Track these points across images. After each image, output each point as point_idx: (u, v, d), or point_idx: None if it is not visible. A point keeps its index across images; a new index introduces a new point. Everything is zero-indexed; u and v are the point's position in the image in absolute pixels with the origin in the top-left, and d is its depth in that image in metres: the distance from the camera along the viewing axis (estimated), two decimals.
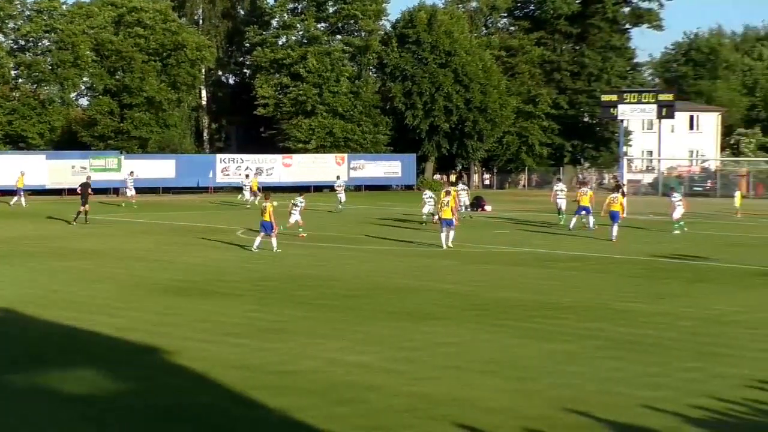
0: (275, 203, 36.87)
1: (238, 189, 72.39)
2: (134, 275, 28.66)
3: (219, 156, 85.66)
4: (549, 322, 20.93)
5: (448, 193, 39.23)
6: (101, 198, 65.67)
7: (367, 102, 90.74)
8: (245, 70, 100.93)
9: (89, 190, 50.11)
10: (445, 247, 36.52)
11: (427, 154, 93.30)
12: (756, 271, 30.55)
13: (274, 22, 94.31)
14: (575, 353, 17.81)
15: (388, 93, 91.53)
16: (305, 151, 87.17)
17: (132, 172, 67.37)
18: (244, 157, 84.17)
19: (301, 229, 40.94)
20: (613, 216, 41.11)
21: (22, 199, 63.46)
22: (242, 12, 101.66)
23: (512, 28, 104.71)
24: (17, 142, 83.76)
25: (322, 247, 37.15)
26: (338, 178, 67.19)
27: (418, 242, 39.43)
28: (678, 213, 46.28)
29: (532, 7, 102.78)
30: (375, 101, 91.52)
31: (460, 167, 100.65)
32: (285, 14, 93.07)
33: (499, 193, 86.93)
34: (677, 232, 44.92)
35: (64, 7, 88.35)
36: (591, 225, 45.10)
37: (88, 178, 54.87)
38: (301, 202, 42.95)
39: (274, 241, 35.26)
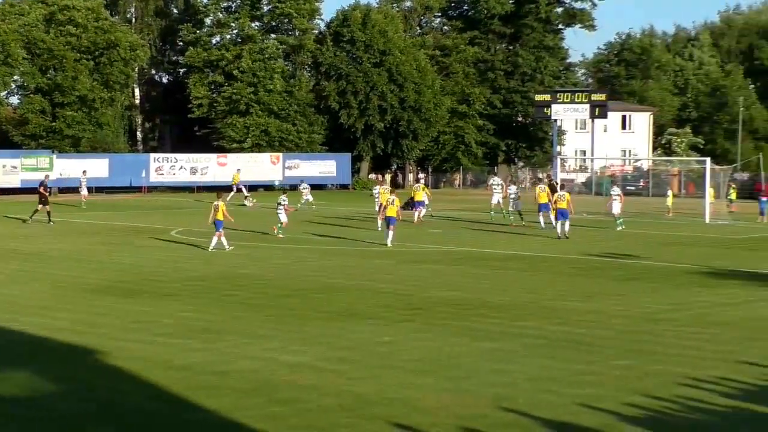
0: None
1: (173, 189, 71.68)
2: (68, 275, 28.36)
3: (153, 155, 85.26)
4: (484, 321, 21.02)
5: (392, 191, 39.72)
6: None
7: (302, 101, 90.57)
8: (179, 69, 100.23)
9: (41, 189, 49.50)
10: (390, 244, 36.73)
11: (362, 153, 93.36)
12: (687, 270, 30.92)
13: (208, 21, 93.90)
14: (510, 352, 17.90)
15: (323, 92, 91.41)
16: (240, 150, 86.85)
17: (84, 172, 66.93)
18: (178, 156, 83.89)
19: (279, 228, 40.72)
20: (562, 213, 41.57)
21: None
22: (176, 10, 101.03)
23: (446, 27, 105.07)
24: None
25: (258, 246, 37.02)
26: (302, 182, 66.94)
27: (356, 241, 39.43)
28: (617, 208, 46.94)
29: (465, 7, 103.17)
30: (309, 100, 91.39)
31: (395, 166, 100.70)
32: (219, 13, 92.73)
33: (435, 193, 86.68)
34: (622, 228, 45.53)
35: None
36: (543, 224, 45.50)
37: (46, 177, 54.64)
38: (284, 201, 42.55)
39: (214, 239, 35.11)
